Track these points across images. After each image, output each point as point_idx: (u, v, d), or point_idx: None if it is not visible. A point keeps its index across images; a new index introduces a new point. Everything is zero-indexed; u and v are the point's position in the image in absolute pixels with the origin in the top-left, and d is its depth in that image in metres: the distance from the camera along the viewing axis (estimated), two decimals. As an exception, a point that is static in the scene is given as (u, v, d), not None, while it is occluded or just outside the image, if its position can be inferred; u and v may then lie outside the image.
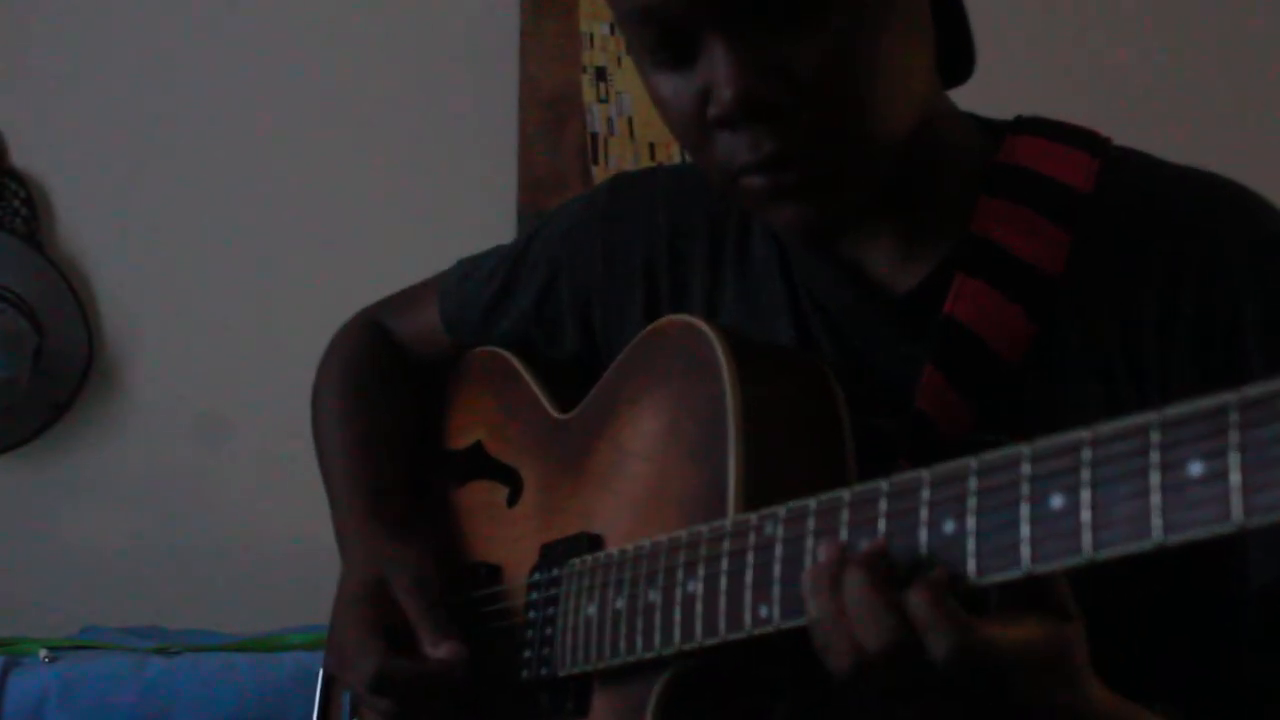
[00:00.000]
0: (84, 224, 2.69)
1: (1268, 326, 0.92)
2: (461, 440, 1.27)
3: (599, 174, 2.77)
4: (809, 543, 0.84)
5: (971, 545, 0.75)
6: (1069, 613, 0.79)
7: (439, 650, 1.09)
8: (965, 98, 1.05)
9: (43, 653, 2.04)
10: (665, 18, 0.91)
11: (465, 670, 1.08)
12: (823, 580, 0.80)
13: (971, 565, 0.75)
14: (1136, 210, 0.97)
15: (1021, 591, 0.78)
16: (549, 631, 1.06)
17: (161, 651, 2.08)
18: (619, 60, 2.78)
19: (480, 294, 1.27)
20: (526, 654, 1.07)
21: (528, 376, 1.22)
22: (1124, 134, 1.04)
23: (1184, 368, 0.93)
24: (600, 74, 2.79)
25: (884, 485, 0.81)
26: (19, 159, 2.67)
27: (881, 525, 0.80)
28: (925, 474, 0.79)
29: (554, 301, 1.21)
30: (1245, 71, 2.89)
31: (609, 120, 2.79)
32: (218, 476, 2.66)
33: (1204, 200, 0.97)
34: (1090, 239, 0.97)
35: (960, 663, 0.76)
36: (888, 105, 0.92)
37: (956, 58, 1.01)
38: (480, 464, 1.24)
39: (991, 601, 0.79)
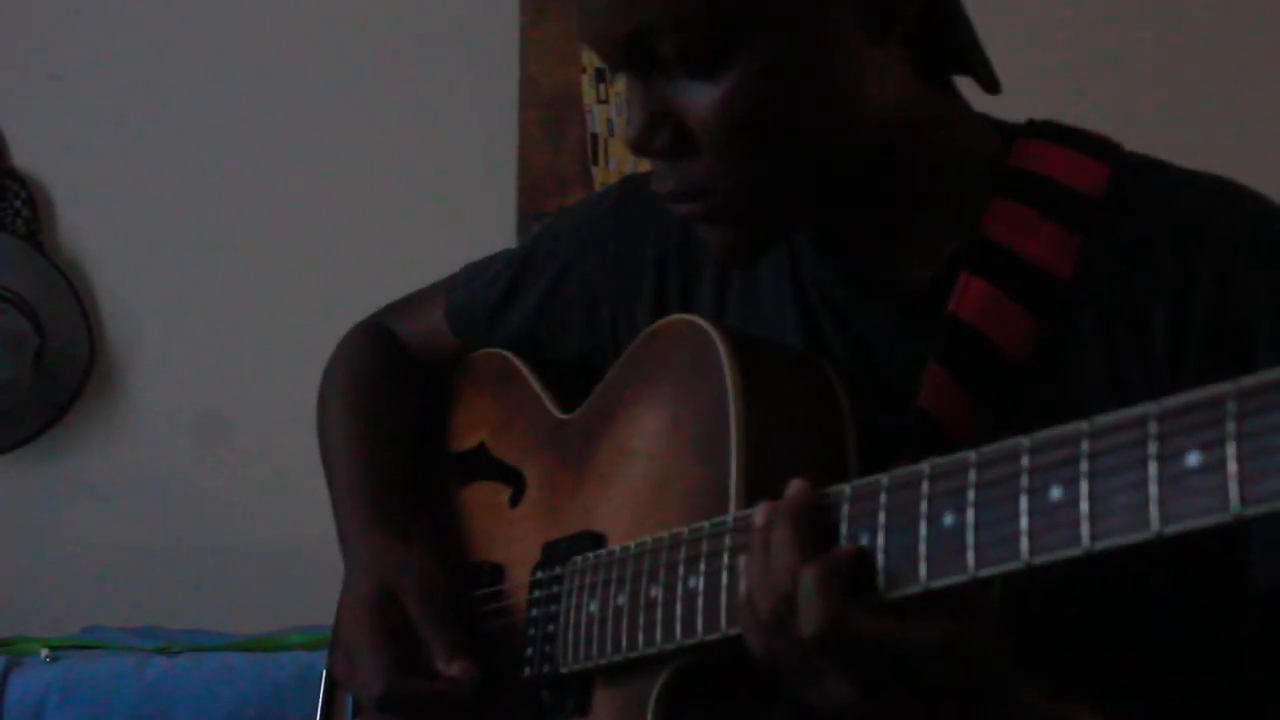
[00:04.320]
0: (85, 224, 2.69)
1: (1278, 332, 0.92)
2: (465, 441, 1.27)
3: (599, 174, 2.77)
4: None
5: (971, 537, 0.76)
6: (972, 613, 0.81)
7: (451, 668, 1.08)
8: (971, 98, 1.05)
9: (44, 652, 2.04)
10: (600, 53, 0.97)
11: (474, 689, 1.09)
12: (757, 540, 0.85)
13: (971, 557, 0.76)
14: (1147, 216, 0.97)
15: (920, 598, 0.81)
16: (551, 629, 1.06)
17: (162, 651, 2.08)
18: (619, 62, 2.78)
19: (487, 295, 1.27)
20: (528, 652, 1.08)
21: (530, 377, 1.23)
22: (1131, 137, 1.04)
23: (1196, 373, 0.93)
24: (600, 74, 2.79)
25: (884, 479, 0.82)
26: (20, 159, 2.67)
27: (881, 518, 0.81)
28: (925, 467, 0.80)
29: (561, 301, 1.22)
30: (1250, 74, 2.89)
31: (609, 121, 2.79)
32: (218, 477, 2.66)
33: (1215, 205, 0.97)
34: (1100, 244, 0.97)
35: (825, 646, 0.80)
36: (792, 144, 0.94)
37: (959, 53, 1.01)
38: (483, 465, 1.24)
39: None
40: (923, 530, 0.78)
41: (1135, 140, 1.03)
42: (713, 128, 0.92)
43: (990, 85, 1.01)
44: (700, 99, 0.92)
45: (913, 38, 0.97)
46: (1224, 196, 0.98)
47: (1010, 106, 1.08)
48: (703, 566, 0.92)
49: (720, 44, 0.91)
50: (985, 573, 0.76)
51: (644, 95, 0.94)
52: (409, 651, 1.11)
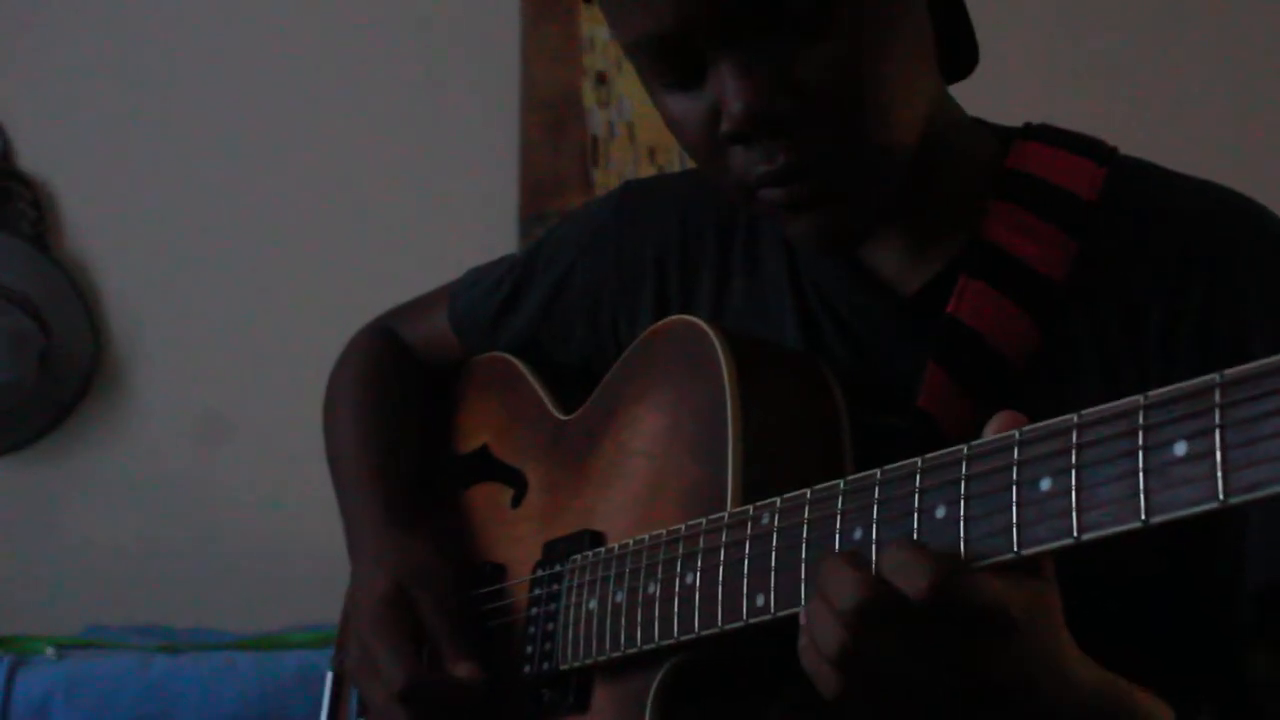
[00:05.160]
0: (90, 226, 2.70)
1: (1273, 334, 0.93)
2: (468, 443, 1.28)
3: (599, 178, 2.77)
4: (805, 532, 0.86)
5: (962, 530, 0.77)
6: (1043, 572, 0.79)
7: (459, 670, 1.09)
8: (970, 99, 1.06)
9: (49, 651, 2.05)
10: (671, 41, 0.91)
11: (481, 690, 1.09)
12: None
13: (962, 550, 0.77)
14: (1142, 219, 0.98)
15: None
16: (551, 627, 1.07)
17: (166, 650, 2.09)
18: (620, 64, 2.79)
19: (490, 299, 1.28)
20: (528, 649, 1.08)
21: (532, 379, 1.23)
22: (1124, 138, 1.05)
23: (1188, 370, 0.93)
24: (601, 78, 2.79)
25: (878, 474, 0.82)
26: (26, 161, 2.68)
27: (875, 512, 0.81)
28: (918, 461, 0.80)
29: (563, 305, 1.22)
30: (1246, 74, 2.89)
31: (609, 124, 2.80)
32: (222, 476, 2.66)
33: (1209, 209, 0.98)
34: (1096, 246, 0.98)
35: (946, 595, 0.75)
36: (897, 112, 0.92)
37: (957, 54, 1.01)
38: (486, 466, 1.24)
39: None
40: (915, 523, 0.79)
41: (1130, 144, 1.04)
42: (839, 82, 0.89)
43: (960, 74, 1.02)
44: (818, 58, 0.89)
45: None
46: (1217, 200, 0.99)
47: (1008, 108, 1.09)
48: (700, 563, 0.93)
49: (831, 3, 0.88)
50: (977, 565, 0.76)
51: (748, 68, 0.89)
52: (421, 650, 1.11)
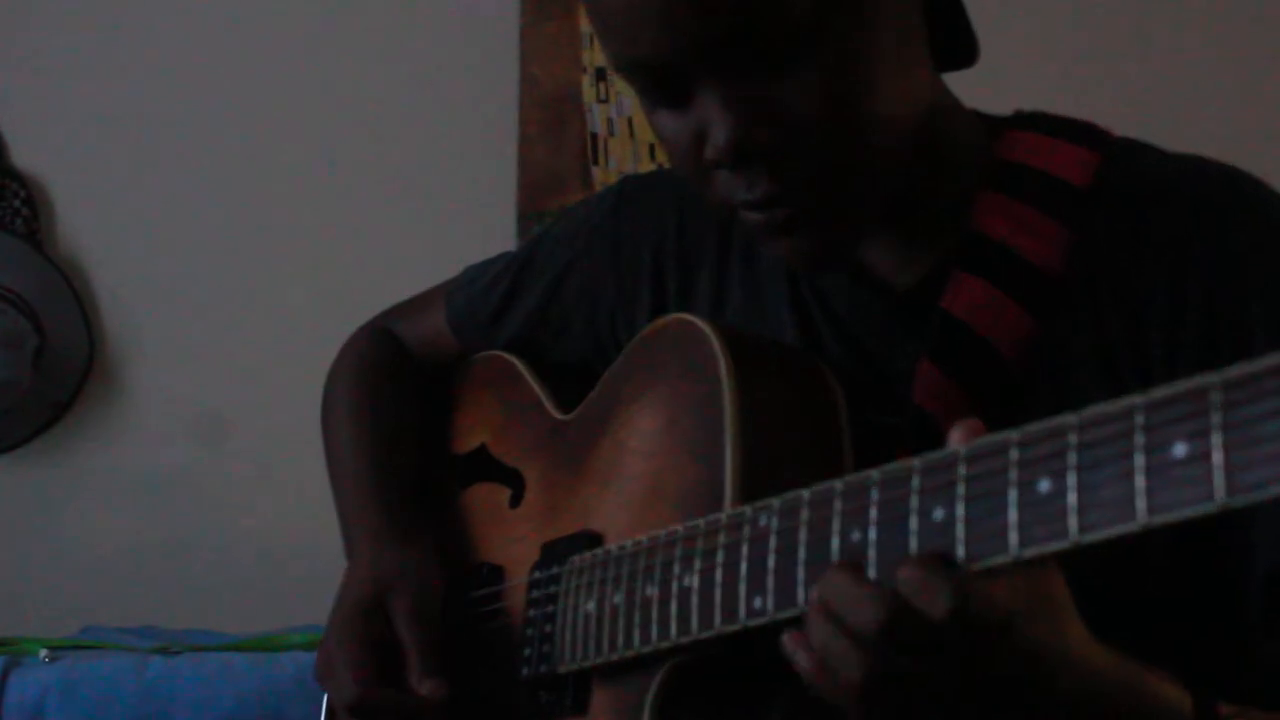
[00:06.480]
0: (84, 224, 2.69)
1: (1276, 318, 0.91)
2: (466, 443, 1.28)
3: (599, 174, 2.77)
4: (802, 534, 0.85)
5: (960, 531, 0.76)
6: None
7: (422, 686, 1.09)
8: (966, 94, 1.05)
9: (43, 652, 2.04)
10: (656, 67, 0.91)
11: (442, 709, 1.09)
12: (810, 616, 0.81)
13: (961, 551, 0.76)
14: (1138, 204, 0.96)
15: None
16: (549, 629, 1.06)
17: (162, 651, 2.08)
18: (619, 62, 2.79)
19: (488, 297, 1.27)
20: (527, 652, 1.08)
21: (530, 378, 1.23)
22: (1124, 126, 1.04)
23: (1191, 362, 0.92)
24: (600, 74, 2.79)
25: (875, 475, 0.82)
26: (19, 159, 2.68)
27: (873, 514, 0.81)
28: (916, 462, 0.79)
29: (561, 303, 1.22)
30: (1247, 69, 2.89)
31: (609, 120, 2.79)
32: (218, 476, 2.66)
33: (1208, 189, 0.96)
34: (1091, 235, 0.96)
35: (960, 619, 0.75)
36: (882, 131, 0.91)
37: (957, 43, 1.00)
38: (484, 466, 1.24)
39: None
40: (913, 525, 0.78)
41: (1126, 128, 1.03)
42: (821, 110, 0.89)
43: (963, 63, 1.00)
44: (800, 86, 0.89)
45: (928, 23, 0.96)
46: (1215, 178, 0.97)
47: (1006, 98, 1.08)
48: (698, 565, 0.92)
49: (806, 30, 0.88)
50: (975, 568, 0.75)
51: (728, 100, 0.89)
52: (387, 662, 1.12)
